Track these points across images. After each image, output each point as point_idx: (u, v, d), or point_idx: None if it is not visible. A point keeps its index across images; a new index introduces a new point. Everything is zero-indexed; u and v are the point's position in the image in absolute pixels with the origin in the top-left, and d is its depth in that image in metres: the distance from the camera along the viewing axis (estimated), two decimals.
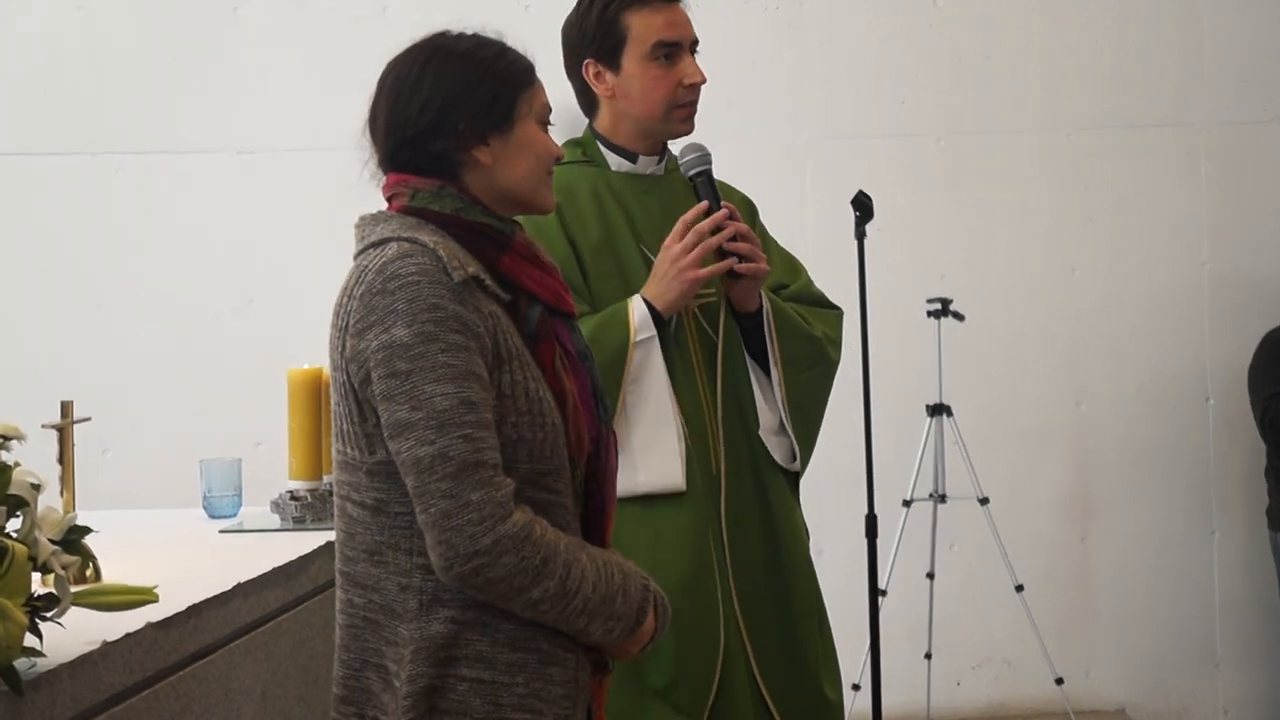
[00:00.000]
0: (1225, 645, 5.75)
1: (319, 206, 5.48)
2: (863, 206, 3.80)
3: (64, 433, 2.60)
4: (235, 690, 2.56)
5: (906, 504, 5.26)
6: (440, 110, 2.20)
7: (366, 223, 2.24)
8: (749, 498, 3.07)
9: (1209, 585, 5.75)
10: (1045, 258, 5.78)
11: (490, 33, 2.29)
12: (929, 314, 5.31)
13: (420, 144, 2.21)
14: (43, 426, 2.52)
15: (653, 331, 2.95)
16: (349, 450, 2.17)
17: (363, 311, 2.11)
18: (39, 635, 1.87)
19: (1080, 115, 5.79)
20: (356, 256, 2.21)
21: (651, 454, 2.93)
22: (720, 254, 3.02)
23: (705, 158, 3.08)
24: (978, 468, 5.25)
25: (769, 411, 3.10)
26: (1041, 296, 5.78)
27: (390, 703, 2.13)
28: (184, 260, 5.71)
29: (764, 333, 3.11)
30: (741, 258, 3.02)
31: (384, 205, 2.28)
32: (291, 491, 3.29)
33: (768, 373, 3.12)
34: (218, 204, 5.73)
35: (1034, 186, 5.80)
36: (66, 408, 2.62)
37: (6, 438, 1.90)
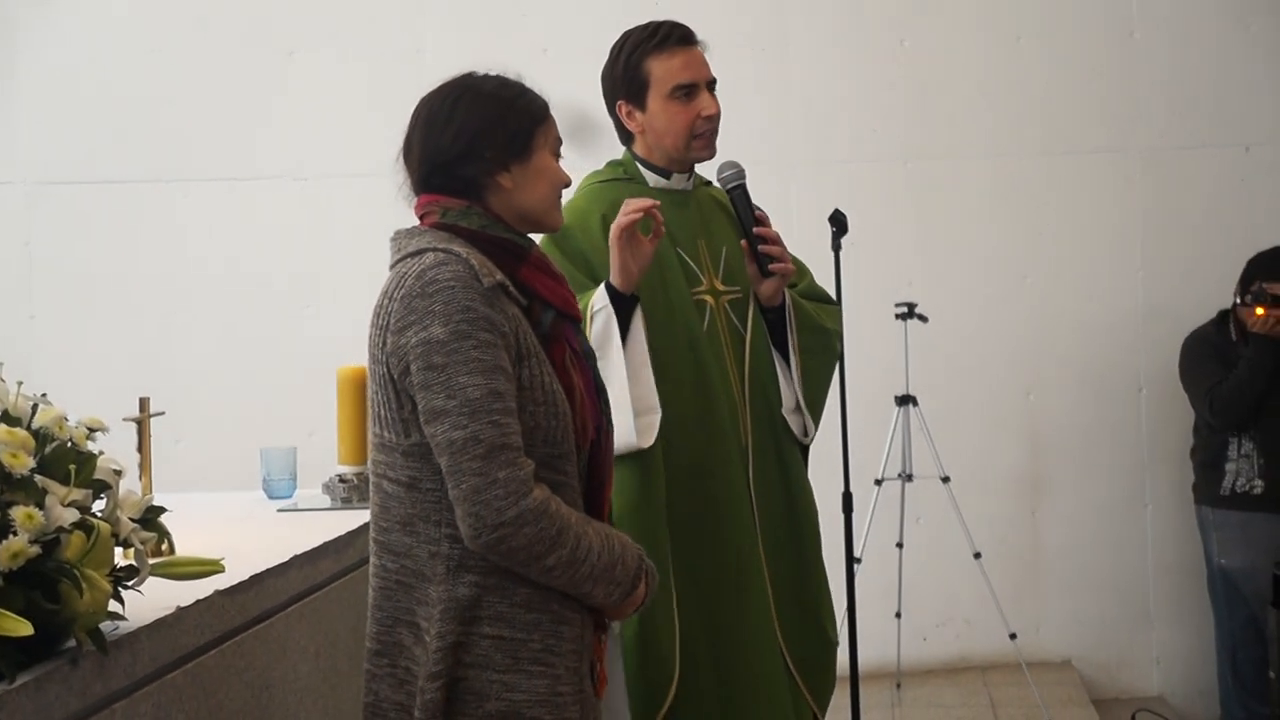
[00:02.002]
0: (1157, 605, 5.74)
1: (364, 225, 5.47)
2: (839, 222, 3.81)
3: (142, 425, 2.61)
4: (292, 649, 2.56)
5: (878, 483, 5.25)
6: (470, 140, 2.21)
7: (402, 236, 2.25)
8: (772, 467, 3.11)
9: (1143, 552, 5.73)
10: (999, 267, 5.77)
11: (510, 74, 2.30)
12: (897, 316, 5.29)
13: (451, 169, 2.23)
14: (123, 420, 2.53)
15: (605, 304, 2.92)
16: (385, 434, 2.18)
17: (403, 312, 2.12)
18: (121, 601, 1.88)
19: (1030, 142, 5.77)
20: (397, 264, 2.21)
21: (615, 417, 2.91)
22: (750, 252, 3.09)
23: (741, 173, 3.14)
24: (940, 450, 5.23)
25: (789, 392, 3.15)
26: (996, 301, 5.77)
27: (421, 655, 2.14)
28: (245, 274, 5.71)
29: (785, 325, 3.16)
30: (774, 259, 3.09)
31: (416, 223, 2.28)
32: (340, 475, 3.30)
33: (787, 359, 3.16)
34: (275, 224, 5.73)
35: (989, 204, 5.78)
36: (144, 403, 2.62)
37: (92, 429, 1.91)
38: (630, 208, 2.88)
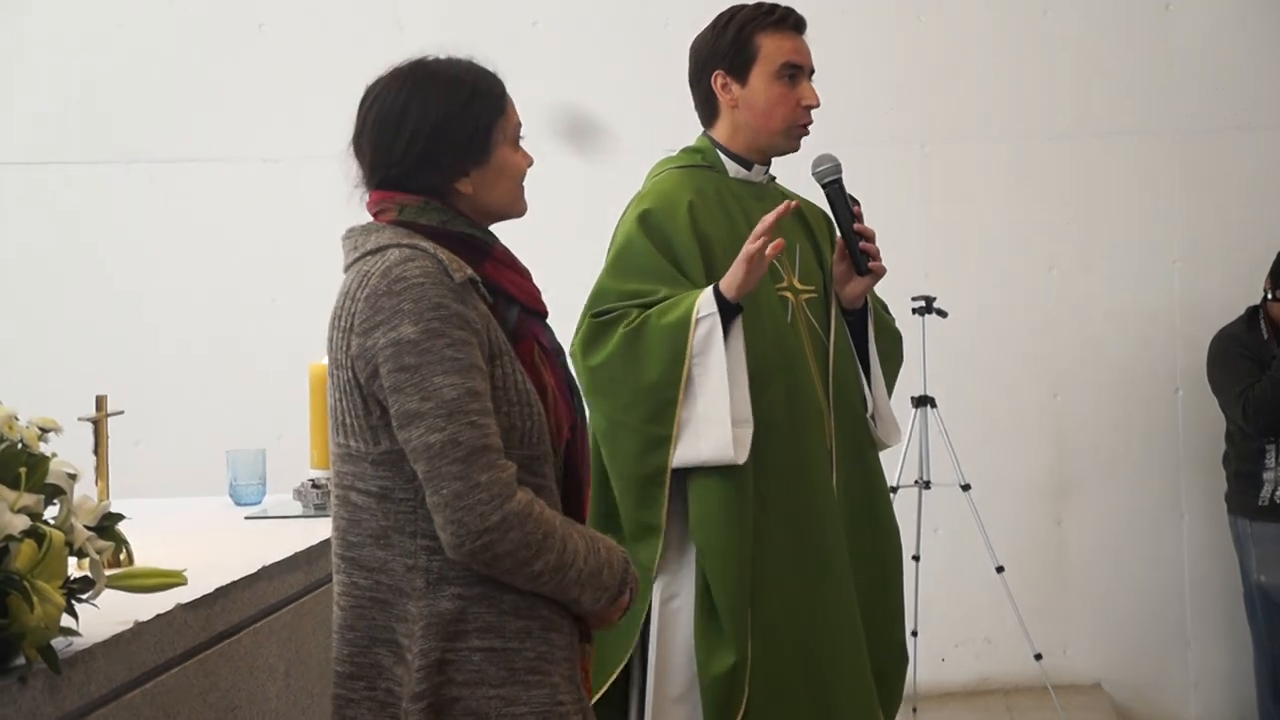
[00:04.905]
0: (1194, 623, 5.75)
1: (339, 211, 5.47)
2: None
3: (98, 425, 2.61)
4: (260, 668, 2.56)
5: (893, 490, 5.23)
6: (425, 148, 2.23)
7: (357, 234, 2.27)
8: (856, 472, 3.21)
9: (1179, 566, 5.74)
10: (1024, 257, 5.78)
11: (462, 54, 2.30)
12: (914, 311, 5.29)
13: (404, 180, 2.25)
14: (79, 420, 2.53)
15: (713, 310, 2.99)
16: (352, 443, 2.20)
17: (369, 312, 2.14)
18: (75, 616, 1.87)
19: (1057, 122, 5.78)
20: (355, 263, 2.23)
21: (711, 425, 3.00)
22: (817, 248, 3.23)
23: (838, 167, 3.24)
24: (960, 456, 5.24)
25: (869, 397, 3.26)
26: (1020, 294, 5.77)
27: (404, 675, 2.15)
28: (211, 262, 5.71)
29: (865, 329, 3.28)
30: (872, 257, 3.20)
31: (369, 219, 2.30)
32: (313, 480, 3.30)
33: (863, 363, 3.27)
34: (243, 209, 5.73)
35: (1014, 190, 5.79)
36: (101, 402, 2.62)
37: (45, 430, 1.91)
38: (766, 225, 2.97)
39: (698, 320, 2.99)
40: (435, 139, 2.23)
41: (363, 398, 2.17)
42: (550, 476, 2.25)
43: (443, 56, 2.30)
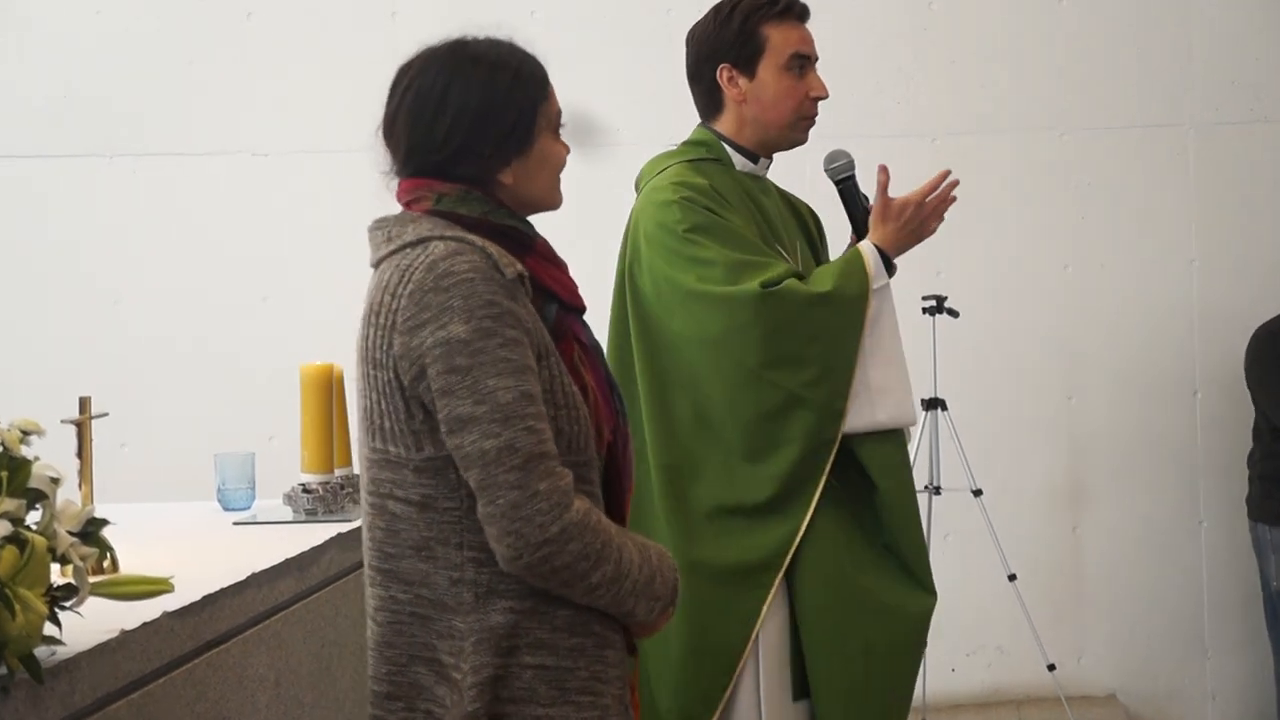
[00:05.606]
0: (1213, 633, 5.75)
1: (331, 206, 5.49)
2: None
3: (82, 427, 2.60)
4: (249, 678, 2.56)
5: None
6: (466, 136, 2.18)
7: (391, 224, 2.21)
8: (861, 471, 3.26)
9: (1197, 574, 5.74)
10: (1038, 255, 5.77)
11: (503, 35, 2.27)
12: (924, 310, 5.29)
13: (444, 168, 2.20)
14: (61, 422, 2.52)
15: (887, 279, 3.10)
16: (391, 448, 2.15)
17: (414, 309, 2.09)
18: (58, 624, 1.87)
19: (1072, 115, 5.77)
20: (390, 256, 2.17)
21: (889, 393, 3.08)
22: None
23: (852, 164, 3.28)
24: (971, 460, 5.24)
25: None
26: (1034, 293, 5.77)
27: (446, 695, 2.11)
28: (199, 259, 5.70)
29: None
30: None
31: (396, 207, 2.25)
32: (304, 484, 3.29)
33: None
34: (232, 205, 5.72)
35: (1027, 185, 5.78)
36: (84, 403, 2.62)
37: (26, 433, 1.90)
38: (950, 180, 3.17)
39: (874, 291, 3.08)
40: (478, 125, 2.18)
41: (405, 400, 2.11)
42: (597, 483, 2.21)
43: (481, 37, 2.25)
